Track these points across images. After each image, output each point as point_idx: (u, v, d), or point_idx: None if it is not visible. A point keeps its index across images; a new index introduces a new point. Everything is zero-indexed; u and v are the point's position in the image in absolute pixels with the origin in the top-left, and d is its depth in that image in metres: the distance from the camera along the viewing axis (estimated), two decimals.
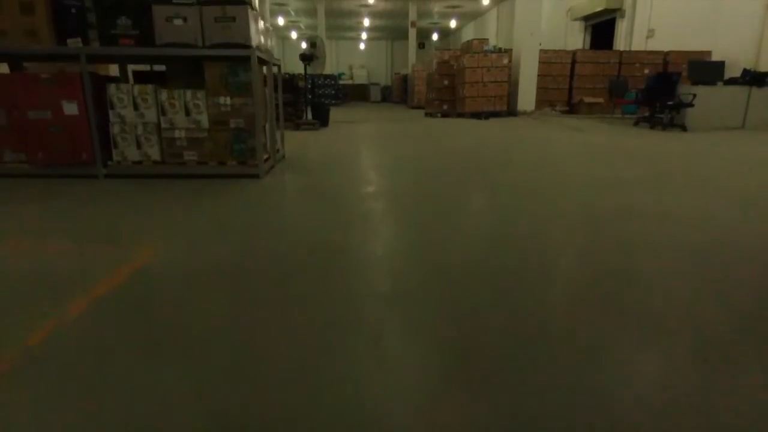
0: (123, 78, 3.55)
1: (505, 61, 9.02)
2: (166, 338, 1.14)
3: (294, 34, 35.54)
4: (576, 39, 17.68)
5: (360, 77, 39.81)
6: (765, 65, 9.70)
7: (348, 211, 2.44)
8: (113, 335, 1.16)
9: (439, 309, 1.33)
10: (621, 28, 14.89)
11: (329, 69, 34.47)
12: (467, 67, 8.99)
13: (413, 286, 1.50)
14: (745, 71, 7.56)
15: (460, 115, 9.55)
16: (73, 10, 2.99)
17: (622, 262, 1.70)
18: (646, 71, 10.57)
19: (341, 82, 38.03)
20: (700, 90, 7.21)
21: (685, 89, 7.23)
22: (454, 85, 9.98)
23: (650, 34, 13.43)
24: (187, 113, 3.16)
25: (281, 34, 35.96)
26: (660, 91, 7.31)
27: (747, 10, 10.15)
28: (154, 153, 3.22)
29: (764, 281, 1.53)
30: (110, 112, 3.14)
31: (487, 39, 9.39)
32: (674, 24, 12.47)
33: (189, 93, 3.13)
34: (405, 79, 23.19)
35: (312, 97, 22.36)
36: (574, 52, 10.48)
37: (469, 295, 1.41)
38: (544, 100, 10.35)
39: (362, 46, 38.33)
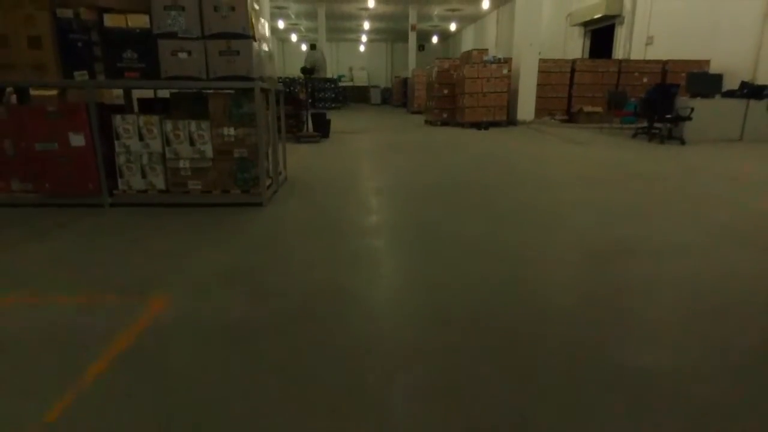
0: (128, 104, 3.60)
1: (505, 71, 9.07)
2: (180, 415, 1.20)
3: (294, 37, 35.61)
4: (575, 44, 17.74)
5: (360, 79, 39.88)
6: (763, 73, 9.78)
7: (350, 249, 2.50)
8: (131, 412, 1.21)
9: (449, 368, 1.38)
10: (620, 34, 14.96)
11: (329, 72, 34.52)
12: (467, 77, 9.05)
13: (419, 341, 1.55)
14: (743, 84, 7.61)
15: (460, 125, 9.60)
16: (80, 44, 3.04)
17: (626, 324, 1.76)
18: (645, 80, 10.64)
19: (341, 84, 38.11)
20: (699, 103, 7.27)
21: (683, 102, 7.29)
22: (454, 94, 10.04)
23: (649, 41, 13.50)
24: (192, 143, 3.21)
25: (281, 36, 36.06)
26: (658, 103, 7.36)
27: (745, 19, 10.22)
28: (159, 182, 3.27)
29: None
30: (116, 143, 3.19)
31: (487, 49, 9.44)
32: (673, 31, 12.54)
33: (193, 124, 3.19)
34: (405, 82, 23.24)
35: (312, 101, 22.46)
36: (573, 61, 10.53)
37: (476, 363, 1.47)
38: (543, 108, 10.42)
39: (362, 48, 38.37)
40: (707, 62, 10.68)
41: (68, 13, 3.00)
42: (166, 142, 3.20)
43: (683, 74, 10.63)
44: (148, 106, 3.65)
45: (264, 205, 3.29)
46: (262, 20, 3.44)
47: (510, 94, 9.51)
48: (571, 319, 1.71)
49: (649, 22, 13.40)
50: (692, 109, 6.99)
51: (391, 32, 34.55)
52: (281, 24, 29.99)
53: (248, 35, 3.05)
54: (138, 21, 3.00)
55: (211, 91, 3.26)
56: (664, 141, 7.10)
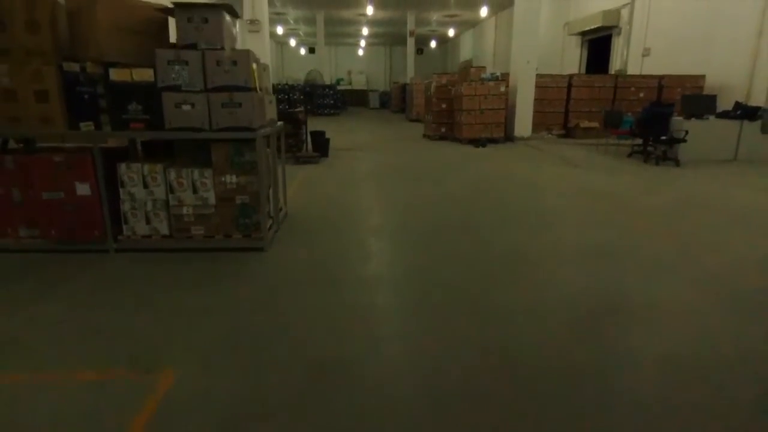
0: (132, 149, 3.67)
1: (502, 88, 9.16)
2: None
3: (293, 42, 35.65)
4: (573, 54, 17.85)
5: (359, 83, 39.97)
6: (757, 89, 9.88)
7: (351, 306, 2.58)
8: None
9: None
10: (617, 45, 15.07)
11: (328, 76, 34.60)
12: (465, 95, 9.13)
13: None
14: (737, 105, 7.72)
15: (458, 140, 9.69)
16: (86, 96, 3.12)
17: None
18: (641, 95, 10.74)
19: (340, 87, 38.20)
20: (693, 124, 7.37)
21: (677, 124, 7.39)
22: (451, 109, 10.13)
23: (646, 52, 13.60)
24: (195, 191, 3.30)
25: (280, 40, 36.05)
26: (654, 125, 7.45)
27: (739, 35, 10.32)
28: (163, 228, 3.35)
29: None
30: (121, 190, 3.28)
31: (485, 67, 9.52)
32: (670, 44, 12.64)
33: (196, 172, 3.27)
34: (404, 88, 23.33)
35: (311, 107, 22.53)
36: (570, 77, 10.63)
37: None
38: (540, 123, 10.51)
39: (361, 52, 38.43)
40: (703, 77, 10.80)
41: (75, 67, 3.07)
42: (170, 189, 3.28)
43: (679, 89, 10.76)
44: (152, 147, 3.72)
45: (265, 249, 3.37)
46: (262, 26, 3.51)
47: (507, 110, 9.60)
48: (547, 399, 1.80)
49: (645, 34, 13.51)
50: (686, 132, 7.08)
51: (389, 36, 34.64)
52: (280, 30, 30.05)
53: (249, 87, 3.13)
54: (143, 75, 3.08)
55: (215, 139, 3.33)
56: (659, 162, 7.20)
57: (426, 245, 3.60)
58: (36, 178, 3.18)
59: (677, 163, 7.11)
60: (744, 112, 7.52)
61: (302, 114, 7.64)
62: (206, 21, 3.03)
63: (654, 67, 13.14)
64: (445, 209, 4.61)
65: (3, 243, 3.30)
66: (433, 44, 35.40)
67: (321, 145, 8.03)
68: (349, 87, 38.75)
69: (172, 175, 3.26)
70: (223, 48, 3.08)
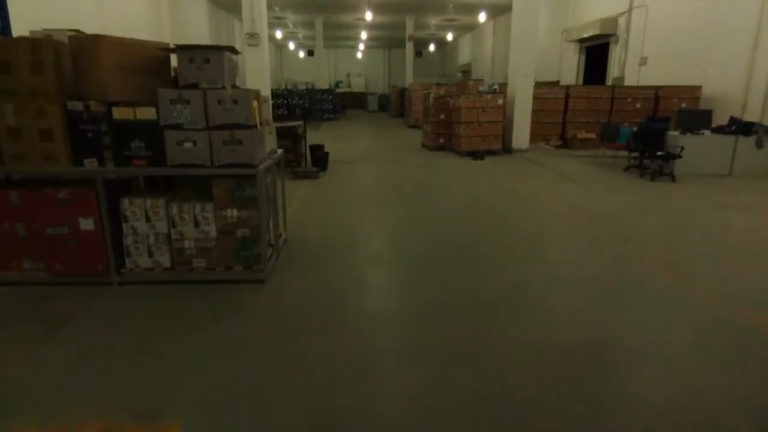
0: (134, 181, 3.72)
1: (500, 101, 9.23)
2: None
3: (292, 45, 35.69)
4: (571, 60, 17.93)
5: (358, 85, 40.04)
6: (753, 101, 9.96)
7: (351, 353, 2.65)
8: None
9: None
10: (615, 53, 15.15)
11: (326, 79, 34.63)
12: (463, 107, 9.20)
13: None
14: (732, 120, 7.79)
15: (456, 152, 9.75)
16: (90, 134, 3.18)
17: None
18: (638, 105, 10.81)
19: (339, 90, 38.24)
20: (689, 139, 7.45)
21: (673, 139, 7.46)
22: (450, 120, 10.20)
23: (643, 61, 13.68)
24: (196, 224, 3.36)
25: (279, 43, 36.09)
26: (649, 139, 7.53)
27: (735, 48, 10.39)
28: (165, 260, 3.41)
29: None
30: (124, 225, 3.33)
31: (483, 79, 9.59)
32: (666, 53, 12.72)
33: (198, 206, 3.33)
34: (402, 92, 23.40)
35: (310, 111, 22.57)
36: (567, 88, 10.70)
37: None
38: (538, 134, 10.58)
39: (360, 54, 38.48)
40: (699, 88, 10.87)
41: (78, 105, 3.13)
42: (172, 223, 3.34)
43: (675, 100, 10.84)
44: (154, 179, 3.78)
45: (266, 282, 3.43)
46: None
47: (505, 122, 9.67)
48: None
49: (643, 43, 13.59)
50: (682, 148, 7.16)
51: (388, 39, 34.71)
52: (279, 34, 30.08)
53: (250, 126, 3.19)
54: (145, 114, 3.14)
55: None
56: (655, 178, 7.26)
57: (423, 278, 3.67)
58: (40, 213, 3.24)
59: (673, 178, 7.19)
60: (739, 128, 7.60)
61: (301, 129, 7.69)
62: (207, 61, 3.09)
63: (651, 75, 13.22)
64: (442, 234, 4.67)
65: (8, 276, 3.35)
66: (431, 48, 35.47)
67: (320, 159, 8.09)
68: (348, 90, 38.83)
69: (174, 209, 3.32)
70: (224, 87, 3.14)
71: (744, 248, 4.21)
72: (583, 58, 17.38)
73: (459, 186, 6.89)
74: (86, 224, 3.25)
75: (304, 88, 24.32)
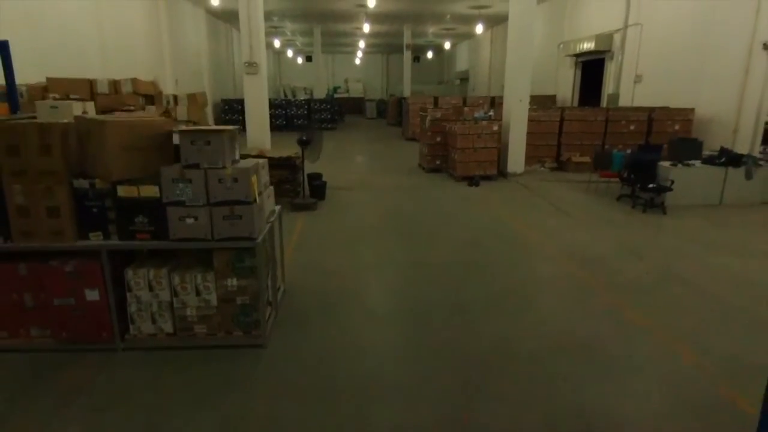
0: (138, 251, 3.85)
1: (495, 128, 9.37)
2: None
3: (290, 53, 35.81)
4: (567, 74, 18.09)
5: (356, 91, 40.18)
6: (744, 124, 10.12)
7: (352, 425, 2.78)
8: None
9: None
10: (610, 69, 15.32)
11: (324, 85, 34.74)
12: (459, 134, 9.34)
13: None
14: (722, 150, 7.94)
15: (452, 176, 9.89)
16: (95, 210, 3.31)
17: None
18: (632, 128, 10.96)
19: (337, 95, 38.32)
20: (680, 171, 7.61)
21: (664, 171, 7.61)
22: (446, 142, 10.34)
23: (638, 79, 13.85)
24: (198, 293, 3.49)
25: (277, 50, 36.15)
26: (641, 171, 7.68)
27: (728, 69, 10.54)
28: (167, 326, 3.54)
29: None
30: (128, 294, 3.47)
31: (479, 105, 9.72)
32: (660, 73, 12.88)
33: (199, 276, 3.46)
34: (400, 102, 23.52)
35: (308, 122, 22.62)
36: (562, 110, 10.84)
37: None
38: (533, 156, 10.73)
39: (358, 60, 38.58)
40: (692, 111, 11.02)
41: (84, 183, 3.26)
42: (174, 293, 3.47)
43: (669, 122, 10.99)
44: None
45: (265, 346, 3.57)
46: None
47: (501, 146, 9.81)
48: None
49: (637, 61, 13.75)
50: (672, 182, 7.30)
51: (386, 45, 34.84)
52: (277, 43, 30.19)
53: (249, 202, 3.32)
54: (149, 191, 3.27)
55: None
56: (646, 209, 7.41)
57: (416, 337, 3.80)
58: (48, 285, 3.37)
59: (664, 210, 7.33)
60: (729, 159, 7.75)
61: (299, 160, 7.82)
62: (208, 143, 3.22)
63: (646, 93, 13.38)
64: (437, 283, 4.81)
65: (16, 344, 3.48)
66: (429, 54, 35.60)
67: (318, 189, 8.22)
68: (346, 95, 38.98)
69: (176, 279, 3.45)
70: (224, 167, 3.27)
71: (728, 303, 4.34)
72: (579, 73, 17.54)
73: (454, 221, 7.02)
74: (92, 295, 3.38)
75: (303, 98, 24.41)
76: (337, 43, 33.72)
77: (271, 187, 4.11)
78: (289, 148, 8.25)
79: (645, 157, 8.05)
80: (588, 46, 15.35)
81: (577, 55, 16.92)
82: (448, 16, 23.11)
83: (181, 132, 3.20)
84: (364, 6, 18.82)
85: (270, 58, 37.14)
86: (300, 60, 39.30)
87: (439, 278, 4.90)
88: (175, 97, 9.11)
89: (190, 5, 19.59)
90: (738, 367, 3.34)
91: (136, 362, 3.42)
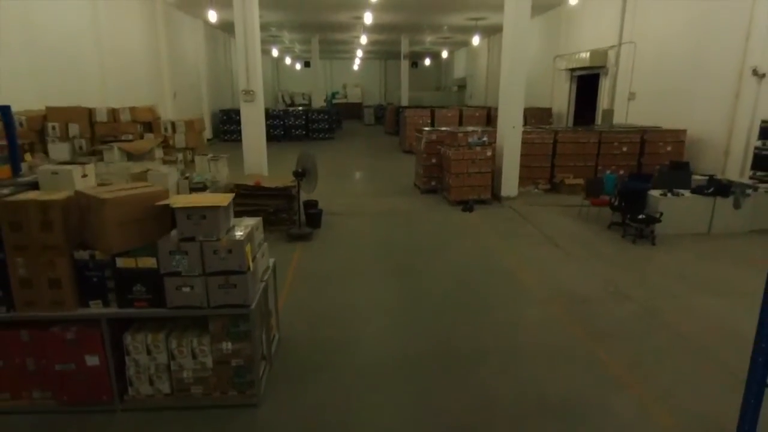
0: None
1: (489, 153, 9.51)
2: None
3: (288, 60, 35.91)
4: (563, 87, 18.24)
5: (354, 96, 40.33)
6: (735, 148, 10.28)
7: None
8: None
9: None
10: (605, 85, 15.47)
11: (323, 91, 34.83)
12: (453, 159, 9.48)
13: None
14: (711, 179, 8.08)
15: (446, 199, 10.02)
16: (95, 279, 3.44)
17: None
18: (624, 149, 11.10)
19: (335, 101, 38.40)
20: (669, 201, 7.76)
21: (653, 201, 7.76)
22: (441, 163, 10.47)
23: (631, 96, 14.02)
24: (194, 357, 3.62)
25: (275, 55, 36.23)
26: (631, 201, 7.82)
27: (719, 91, 10.69)
28: (165, 388, 3.68)
29: None
30: (126, 357, 3.60)
31: (475, 131, 9.86)
32: (654, 91, 13.04)
33: (195, 341, 3.60)
34: (397, 111, 23.65)
35: (306, 132, 22.65)
36: (555, 132, 10.98)
37: None
38: (528, 177, 10.87)
39: (356, 66, 38.70)
40: (684, 132, 11.17)
41: (85, 255, 3.40)
42: (171, 356, 3.60)
43: (661, 143, 11.13)
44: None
45: (258, 406, 3.70)
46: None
47: (495, 169, 9.94)
48: None
49: (631, 78, 13.93)
50: (661, 213, 7.44)
51: (384, 52, 34.98)
52: (275, 52, 30.29)
53: (244, 271, 3.45)
54: (146, 262, 3.40)
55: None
56: (636, 240, 7.55)
57: (402, 394, 3.93)
58: (49, 351, 3.50)
59: (653, 241, 7.47)
60: (717, 189, 7.89)
61: (295, 189, 7.94)
62: (204, 217, 3.35)
63: (640, 111, 13.55)
64: (426, 328, 4.94)
65: (18, 405, 3.61)
66: (427, 61, 35.71)
67: (313, 218, 8.35)
68: (344, 100, 39.12)
69: (174, 344, 3.59)
70: (219, 239, 3.40)
71: (710, 355, 4.46)
72: (574, 86, 17.71)
73: (446, 254, 7.14)
74: (92, 360, 3.51)
75: (301, 109, 24.53)
76: (336, 50, 33.86)
77: (266, 244, 4.24)
78: (285, 176, 8.34)
79: (635, 186, 8.21)
80: (583, 61, 15.51)
81: (572, 70, 17.08)
82: (446, 27, 23.26)
83: (178, 208, 3.33)
84: (361, 18, 18.96)
85: (268, 65, 37.27)
86: (298, 66, 39.43)
87: (429, 325, 5.03)
88: (173, 124, 9.23)
89: (189, 17, 19.70)
90: (712, 430, 3.48)
91: (134, 422, 3.56)
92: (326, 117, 23.39)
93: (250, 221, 3.98)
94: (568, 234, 8.00)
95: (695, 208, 7.95)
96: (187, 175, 7.77)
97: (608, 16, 14.67)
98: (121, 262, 3.40)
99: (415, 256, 7.03)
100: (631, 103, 14.01)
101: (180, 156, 8.74)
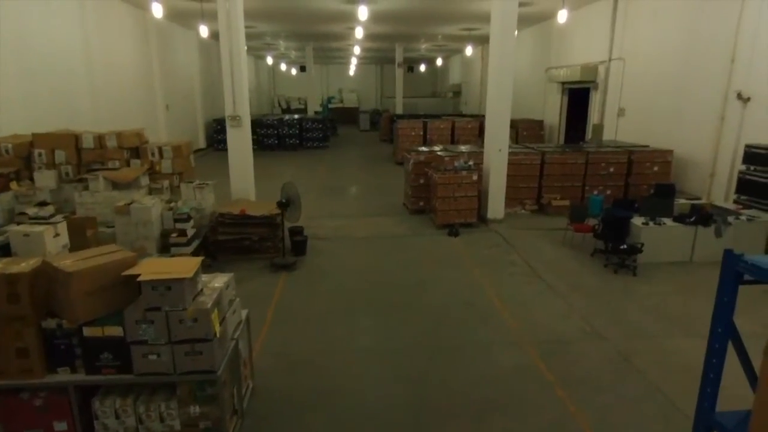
0: None
1: (475, 177, 9.55)
2: None
3: (284, 66, 35.92)
4: (554, 99, 18.30)
5: (350, 101, 40.44)
6: (720, 170, 10.33)
7: None
8: None
9: None
10: (595, 99, 15.53)
11: (318, 98, 34.89)
12: (439, 183, 9.52)
13: None
14: (693, 209, 8.13)
15: (433, 222, 10.07)
16: (63, 347, 3.49)
17: None
18: (611, 170, 11.15)
19: (331, 105, 38.44)
20: (651, 230, 7.82)
21: (636, 230, 7.81)
22: (428, 184, 10.52)
23: (621, 112, 14.08)
24: (162, 420, 3.67)
25: (270, 60, 36.24)
26: (614, 229, 7.87)
27: (704, 114, 10.75)
28: None
29: None
30: (95, 422, 3.65)
31: (460, 154, 9.91)
32: (642, 108, 13.11)
33: (163, 405, 3.65)
34: (392, 120, 23.70)
35: (300, 141, 22.70)
36: (543, 153, 11.02)
37: None
38: (515, 198, 10.91)
39: (352, 71, 38.75)
40: (671, 152, 11.23)
41: (52, 323, 3.44)
42: (139, 420, 3.65)
43: (648, 164, 11.19)
44: None
45: None
46: None
47: (481, 192, 9.99)
48: None
49: (620, 94, 13.99)
50: (642, 244, 7.49)
51: (380, 58, 35.05)
52: (270, 60, 30.30)
53: (210, 339, 3.50)
54: (113, 331, 3.45)
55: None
56: (618, 270, 7.60)
57: None
58: (18, 418, 3.54)
59: (634, 272, 7.51)
60: (699, 218, 7.94)
61: (279, 217, 7.98)
62: (169, 288, 3.39)
63: (629, 128, 13.61)
64: (402, 375, 4.99)
65: None
66: (423, 67, 35.75)
67: (298, 245, 8.40)
68: (340, 105, 39.18)
69: (141, 408, 3.64)
70: (185, 309, 3.45)
71: (680, 410, 4.48)
72: (566, 99, 17.75)
73: (428, 287, 7.17)
74: (60, 426, 3.56)
75: (295, 117, 24.55)
76: (331, 56, 33.90)
77: (238, 300, 4.28)
78: (273, 199, 8.28)
79: (618, 214, 8.25)
80: (573, 75, 15.56)
81: (563, 83, 17.13)
82: (440, 36, 23.31)
83: (143, 282, 3.37)
84: (354, 28, 19.00)
85: (264, 70, 37.29)
86: (294, 71, 39.47)
87: (405, 371, 5.07)
88: (161, 150, 9.26)
89: (182, 29, 19.72)
90: None
91: None
92: (320, 126, 23.41)
93: (222, 279, 4.03)
94: (552, 263, 8.05)
95: (677, 237, 8.01)
96: (172, 205, 7.82)
97: (598, 31, 14.72)
98: (88, 332, 3.45)
99: (397, 291, 7.06)
100: (620, 119, 14.06)
101: (166, 183, 8.77)
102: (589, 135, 15.57)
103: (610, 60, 14.25)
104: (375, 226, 10.17)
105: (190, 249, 7.38)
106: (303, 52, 28.15)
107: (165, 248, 7.44)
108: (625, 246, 7.57)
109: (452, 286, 7.19)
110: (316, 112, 28.68)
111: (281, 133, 22.93)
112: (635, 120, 13.36)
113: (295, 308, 6.50)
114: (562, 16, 12.68)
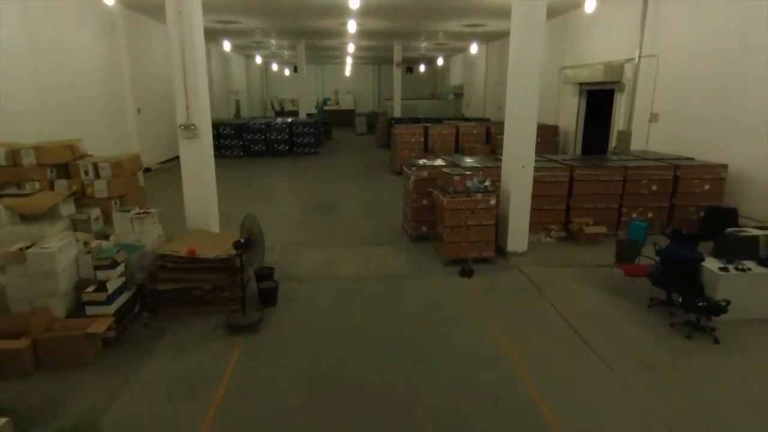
0: None
1: (492, 201, 7.61)
2: None
3: (275, 66, 34.02)
4: (570, 102, 16.38)
5: (346, 102, 38.53)
6: None
7: None
8: None
9: None
10: (620, 102, 13.61)
11: (310, 99, 32.93)
12: (447, 209, 7.57)
13: None
14: None
15: (439, 254, 8.14)
16: None
17: None
18: (654, 188, 9.24)
19: (327, 107, 36.59)
20: (734, 278, 5.89)
21: (713, 278, 5.89)
22: (433, 205, 8.59)
23: (653, 118, 12.14)
24: None
25: (262, 63, 34.35)
26: (679, 277, 5.95)
27: (759, 120, 8.80)
28: None
29: None
30: None
31: (471, 173, 7.97)
32: (680, 114, 11.17)
33: None
34: (389, 123, 21.88)
35: (291, 147, 20.80)
36: (572, 169, 9.08)
37: None
38: (538, 223, 8.98)
39: (348, 72, 36.90)
40: (724, 167, 9.30)
41: None
42: None
43: (697, 181, 9.27)
44: None
45: None
46: None
47: (499, 217, 8.06)
48: None
49: (653, 97, 12.04)
50: (728, 302, 5.53)
51: (377, 57, 33.10)
52: (259, 59, 28.36)
53: None
54: None
55: None
56: (692, 335, 5.65)
57: None
58: None
59: (716, 339, 5.56)
60: None
61: (239, 258, 5.99)
62: None
63: (662, 136, 11.71)
64: None
65: None
66: (422, 68, 33.86)
67: (266, 293, 6.45)
68: (336, 107, 37.23)
69: None
70: None
71: None
72: (583, 102, 15.84)
73: (435, 364, 5.25)
74: None
75: (288, 120, 22.57)
76: (326, 55, 31.98)
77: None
78: (234, 236, 6.31)
79: (682, 254, 6.31)
80: (595, 75, 13.65)
81: (581, 84, 15.21)
82: (441, 33, 21.39)
83: None
84: (346, 24, 17.11)
85: (256, 71, 35.39)
86: (287, 71, 37.56)
87: None
88: (96, 167, 7.30)
89: (159, 23, 17.70)
90: None
91: None
92: (312, 130, 21.44)
93: None
94: (599, 321, 6.09)
95: (766, 285, 6.06)
96: (92, 246, 5.86)
97: (623, 25, 12.81)
98: None
99: (392, 374, 5.04)
100: (652, 126, 12.12)
101: (95, 213, 6.81)
102: (612, 143, 13.63)
103: (639, 57, 12.27)
104: (367, 258, 8.22)
105: (112, 308, 5.44)
106: (296, 50, 26.27)
107: (80, 306, 5.51)
108: (704, 303, 5.60)
109: (469, 365, 5.18)
110: (308, 115, 26.74)
111: (269, 139, 20.97)
112: (671, 127, 11.42)
113: (249, 401, 4.54)
114: (590, 4, 10.76)
